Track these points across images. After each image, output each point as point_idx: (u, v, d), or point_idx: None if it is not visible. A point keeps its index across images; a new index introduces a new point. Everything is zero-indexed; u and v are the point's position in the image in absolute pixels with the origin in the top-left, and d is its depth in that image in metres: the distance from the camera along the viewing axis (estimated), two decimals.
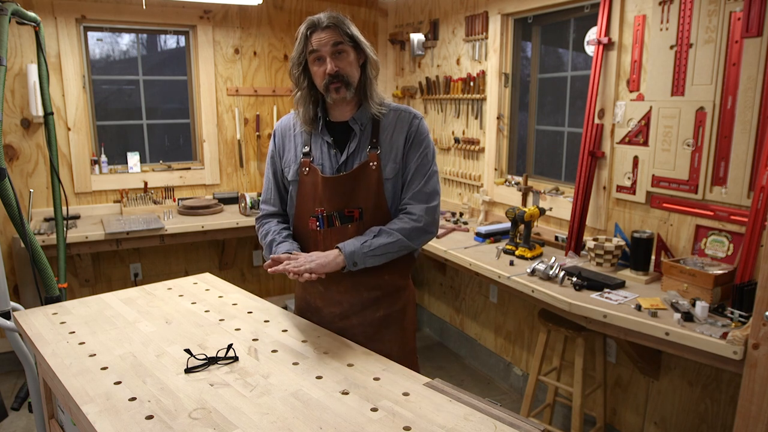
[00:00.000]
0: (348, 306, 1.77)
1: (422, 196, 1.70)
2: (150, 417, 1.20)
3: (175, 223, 3.55)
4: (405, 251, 1.70)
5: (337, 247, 1.63)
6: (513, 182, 3.35)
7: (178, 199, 3.97)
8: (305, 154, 1.74)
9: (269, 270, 1.56)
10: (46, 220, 3.53)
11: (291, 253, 1.63)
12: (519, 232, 2.85)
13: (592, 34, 2.83)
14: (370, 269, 1.69)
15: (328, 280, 1.74)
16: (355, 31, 1.64)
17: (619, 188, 2.65)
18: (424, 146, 1.72)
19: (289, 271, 1.53)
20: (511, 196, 3.33)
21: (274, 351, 1.53)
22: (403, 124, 1.71)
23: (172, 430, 1.16)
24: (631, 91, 2.57)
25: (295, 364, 1.46)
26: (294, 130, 1.80)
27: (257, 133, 4.29)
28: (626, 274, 2.43)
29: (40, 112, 3.27)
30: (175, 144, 4.25)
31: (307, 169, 1.72)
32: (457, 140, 3.77)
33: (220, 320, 1.74)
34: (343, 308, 1.77)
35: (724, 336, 1.81)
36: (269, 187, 1.87)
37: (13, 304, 2.17)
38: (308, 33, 1.61)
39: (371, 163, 1.67)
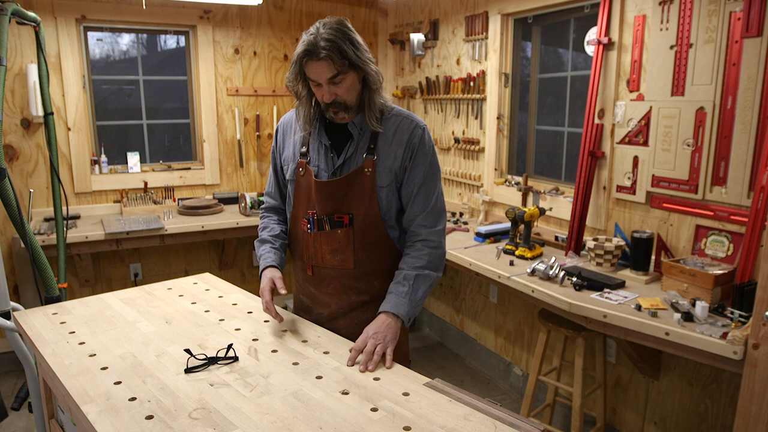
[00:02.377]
0: (336, 308, 1.77)
1: (433, 216, 1.69)
2: (150, 417, 1.20)
3: (175, 223, 3.55)
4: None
5: (392, 313, 1.58)
6: (513, 182, 3.35)
7: (178, 199, 3.97)
8: (302, 155, 1.72)
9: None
10: (46, 220, 3.53)
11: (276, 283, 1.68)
12: (519, 232, 2.85)
13: (592, 34, 2.83)
14: (360, 274, 1.71)
15: (318, 282, 1.76)
16: (352, 51, 1.53)
17: (619, 188, 2.65)
18: (429, 159, 1.69)
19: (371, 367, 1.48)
20: (511, 196, 3.33)
21: (274, 351, 1.53)
22: (403, 132, 1.67)
23: (172, 430, 1.16)
24: (631, 91, 2.57)
25: (295, 364, 1.46)
26: (294, 127, 1.78)
27: (257, 133, 4.29)
28: (626, 274, 2.43)
29: (40, 112, 3.27)
30: (175, 144, 4.25)
31: (303, 170, 1.71)
32: (457, 140, 3.77)
33: (220, 320, 1.74)
34: (331, 310, 1.78)
35: (724, 336, 1.81)
36: (271, 181, 1.89)
37: (13, 304, 2.17)
38: (303, 60, 1.53)
39: (366, 170, 1.65)
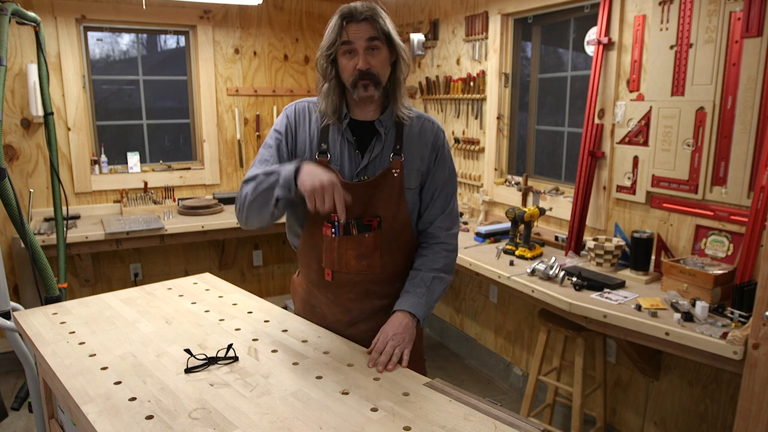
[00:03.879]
0: (357, 313, 1.71)
1: (451, 218, 1.68)
2: (150, 417, 1.20)
3: (175, 223, 3.55)
4: None
5: (409, 313, 1.56)
6: (513, 182, 3.35)
7: (178, 199, 3.98)
8: (321, 152, 1.61)
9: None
10: (46, 220, 3.53)
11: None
12: (519, 232, 2.85)
13: (592, 34, 2.83)
14: (384, 278, 1.67)
15: (338, 288, 1.68)
16: (390, 27, 1.53)
17: (619, 188, 2.65)
18: (449, 162, 1.68)
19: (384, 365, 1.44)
20: (511, 196, 3.33)
21: (274, 351, 1.53)
22: (428, 133, 1.65)
23: (172, 430, 1.16)
24: (631, 91, 2.57)
25: (295, 364, 1.46)
26: (310, 119, 1.65)
27: (257, 133, 4.29)
28: (626, 274, 2.43)
29: (40, 112, 3.27)
30: (175, 144, 4.25)
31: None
32: (457, 140, 3.77)
33: (220, 320, 1.74)
34: (352, 315, 1.71)
35: (724, 336, 1.81)
36: (260, 164, 1.63)
37: (13, 304, 2.17)
38: (343, 23, 1.50)
39: (394, 171, 1.59)
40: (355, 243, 1.60)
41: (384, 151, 1.61)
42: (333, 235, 1.60)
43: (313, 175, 1.36)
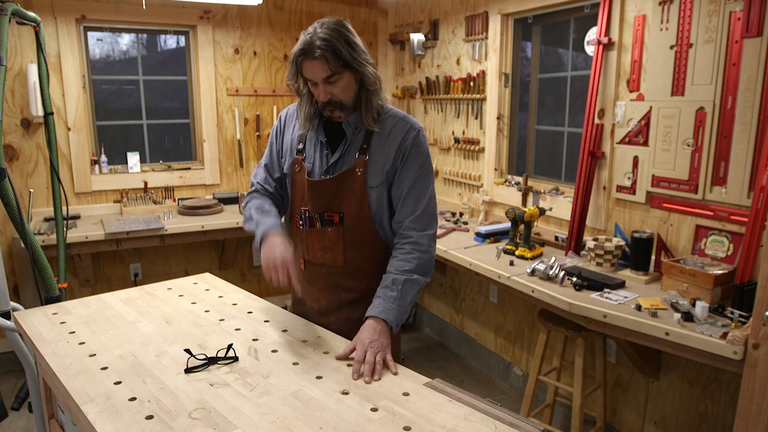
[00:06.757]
0: (326, 303, 1.80)
1: (424, 220, 1.66)
2: (150, 417, 1.20)
3: (175, 223, 3.54)
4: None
5: (381, 318, 1.54)
6: (513, 182, 3.35)
7: (178, 199, 3.97)
8: (299, 152, 1.75)
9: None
10: (46, 220, 3.53)
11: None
12: (519, 232, 2.85)
13: (592, 34, 2.83)
14: (350, 272, 1.73)
15: (309, 277, 1.78)
16: (347, 51, 1.53)
17: (619, 188, 2.65)
18: (421, 161, 1.67)
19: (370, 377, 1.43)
20: (511, 196, 3.33)
21: (274, 351, 1.53)
22: (397, 133, 1.66)
23: (172, 430, 1.16)
24: (631, 91, 2.57)
25: (295, 364, 1.46)
26: (294, 121, 1.80)
27: (257, 133, 4.29)
28: (626, 274, 2.43)
29: (40, 112, 3.27)
30: (175, 144, 4.25)
31: (298, 166, 1.74)
32: (457, 140, 3.77)
33: (220, 320, 1.74)
34: (321, 305, 1.80)
35: (724, 336, 1.81)
36: (263, 171, 1.88)
37: (13, 304, 2.17)
38: (300, 59, 1.55)
39: (357, 170, 1.65)
40: (319, 236, 1.71)
41: (351, 151, 1.69)
42: (301, 227, 1.73)
43: (268, 253, 1.56)
